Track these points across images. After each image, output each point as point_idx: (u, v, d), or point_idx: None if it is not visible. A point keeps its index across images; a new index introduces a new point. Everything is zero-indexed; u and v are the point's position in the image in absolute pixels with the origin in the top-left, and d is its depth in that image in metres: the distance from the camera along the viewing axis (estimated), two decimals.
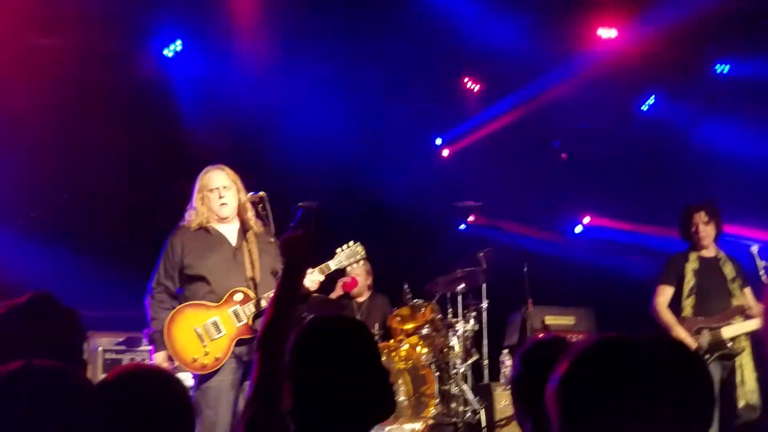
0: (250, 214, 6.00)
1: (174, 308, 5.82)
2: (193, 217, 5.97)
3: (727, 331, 6.86)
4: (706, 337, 6.88)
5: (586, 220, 11.58)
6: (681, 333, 6.86)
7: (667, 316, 7.02)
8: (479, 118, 10.62)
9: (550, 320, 9.37)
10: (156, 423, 2.39)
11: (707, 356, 6.78)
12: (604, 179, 10.78)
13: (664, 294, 7.10)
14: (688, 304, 6.99)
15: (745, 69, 9.66)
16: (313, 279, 5.81)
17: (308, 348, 2.62)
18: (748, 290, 7.06)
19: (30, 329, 2.94)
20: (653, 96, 10.43)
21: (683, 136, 10.55)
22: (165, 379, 2.52)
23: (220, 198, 5.92)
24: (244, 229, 6.00)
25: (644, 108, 10.55)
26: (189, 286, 5.88)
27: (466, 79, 10.56)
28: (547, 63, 9.92)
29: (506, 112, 10.40)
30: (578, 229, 11.63)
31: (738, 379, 6.86)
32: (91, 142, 8.88)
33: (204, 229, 5.96)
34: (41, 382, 1.75)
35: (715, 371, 6.80)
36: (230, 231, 6.02)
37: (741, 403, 6.79)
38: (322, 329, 2.66)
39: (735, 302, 6.97)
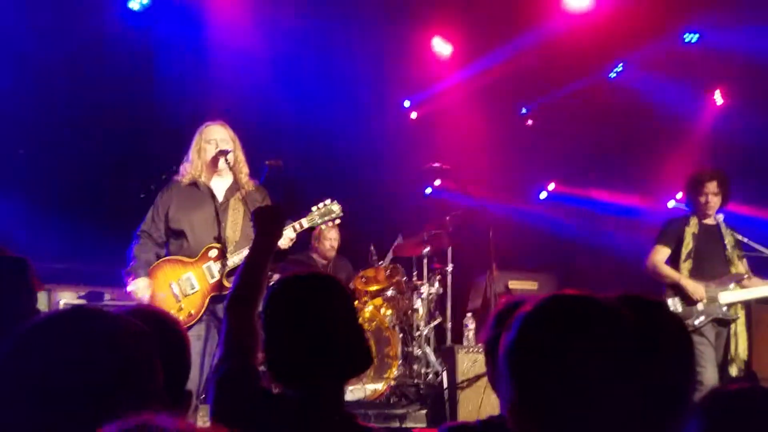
0: (245, 172, 5.99)
1: (157, 255, 5.90)
2: (187, 170, 6.03)
3: (724, 296, 6.91)
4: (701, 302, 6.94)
5: (551, 186, 11.63)
6: (689, 283, 6.92)
7: (668, 269, 7.06)
8: (448, 81, 10.56)
9: (514, 285, 9.43)
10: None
11: (702, 318, 6.85)
12: (569, 146, 10.81)
13: (660, 253, 7.14)
14: (685, 268, 7.03)
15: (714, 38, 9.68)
16: (284, 237, 5.78)
17: (283, 303, 2.63)
18: (745, 261, 7.13)
19: None
20: (621, 64, 10.42)
21: (650, 103, 10.59)
22: (167, 319, 2.51)
23: (217, 149, 5.96)
24: (235, 187, 5.99)
25: (612, 75, 10.53)
26: (172, 240, 5.94)
27: (436, 41, 10.47)
28: (516, 27, 9.86)
29: (475, 75, 10.35)
30: (543, 195, 11.69)
31: (732, 348, 6.93)
32: (55, 97, 8.70)
33: (194, 184, 5.99)
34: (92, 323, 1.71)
35: (710, 334, 6.89)
36: (220, 187, 6.05)
37: (733, 372, 6.89)
38: (297, 284, 2.66)
39: (734, 270, 7.03)
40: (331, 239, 8.85)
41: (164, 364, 2.36)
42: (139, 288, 5.76)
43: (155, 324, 2.46)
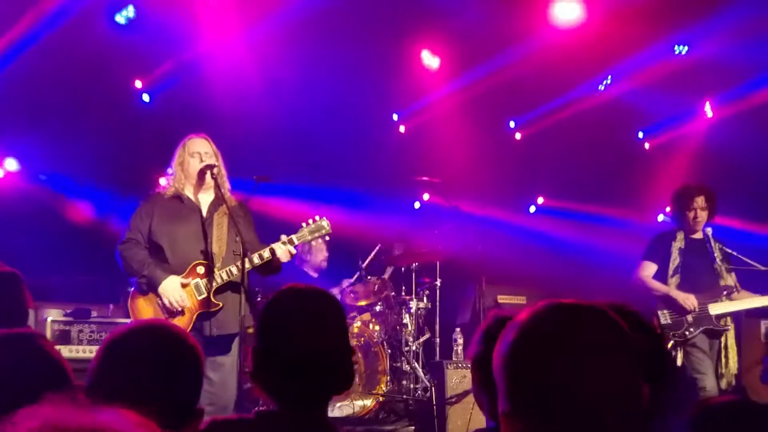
0: (227, 187, 5.94)
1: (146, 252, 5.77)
2: (170, 182, 5.95)
3: (714, 308, 6.94)
4: (691, 313, 6.96)
5: (540, 200, 11.63)
6: (679, 294, 6.96)
7: (656, 283, 7.12)
8: (436, 94, 10.54)
9: (503, 299, 9.41)
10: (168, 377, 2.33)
11: (691, 330, 6.86)
12: (558, 160, 10.81)
13: (648, 268, 7.19)
14: (672, 283, 7.07)
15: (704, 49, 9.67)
16: (285, 252, 5.75)
17: (274, 314, 2.60)
18: (734, 274, 7.14)
19: None
20: (610, 76, 10.42)
21: (639, 116, 10.60)
22: (180, 335, 2.46)
23: (201, 162, 5.89)
24: (218, 202, 5.91)
25: (601, 87, 10.53)
26: (152, 255, 5.82)
27: (424, 55, 10.45)
28: (505, 41, 9.86)
29: (463, 89, 10.33)
30: (532, 209, 11.68)
31: (722, 361, 6.97)
32: (43, 111, 8.66)
33: (178, 197, 5.90)
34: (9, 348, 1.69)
35: (703, 345, 6.91)
36: (204, 201, 5.97)
37: (723, 385, 6.91)
38: (290, 298, 2.64)
39: (722, 283, 7.04)
40: (323, 250, 8.84)
41: (176, 381, 2.33)
42: (172, 289, 5.64)
43: (167, 340, 2.41)
